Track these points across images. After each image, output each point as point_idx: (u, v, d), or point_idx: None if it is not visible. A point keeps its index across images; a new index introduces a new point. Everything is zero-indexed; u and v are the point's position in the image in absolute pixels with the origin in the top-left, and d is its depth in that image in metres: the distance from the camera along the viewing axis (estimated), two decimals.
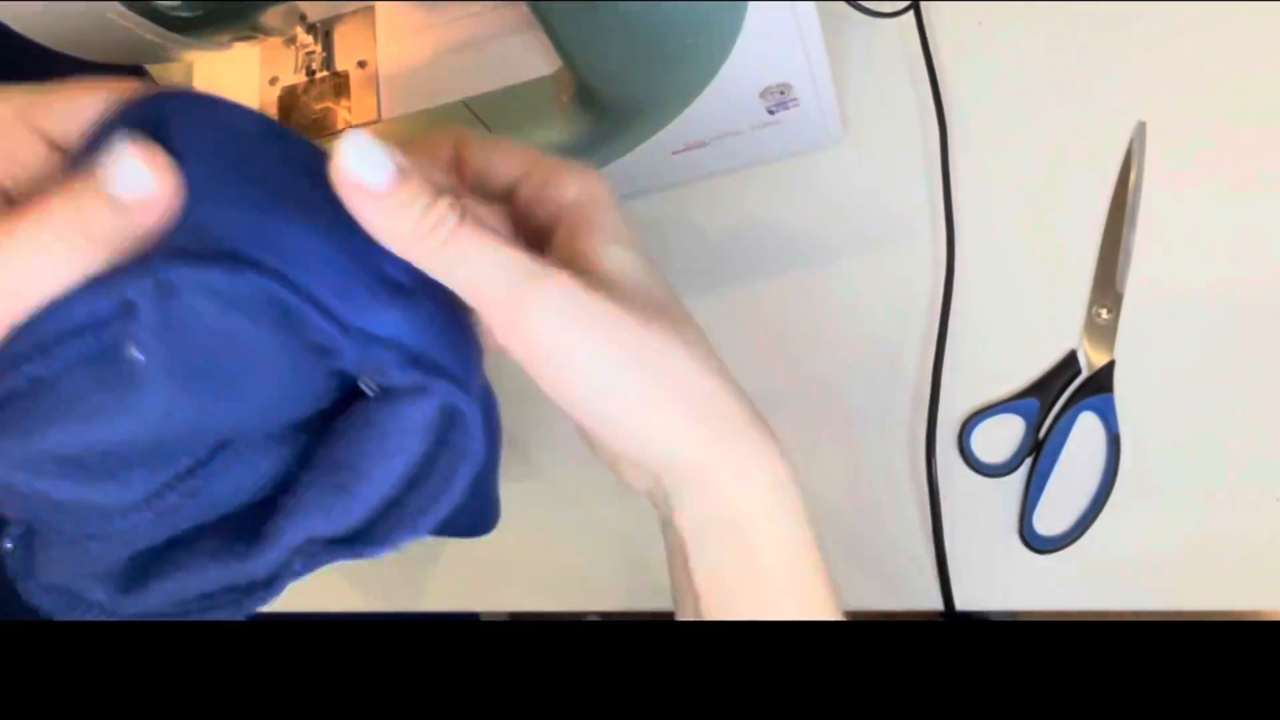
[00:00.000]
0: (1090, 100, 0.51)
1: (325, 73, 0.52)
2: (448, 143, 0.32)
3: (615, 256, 0.29)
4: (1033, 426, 0.47)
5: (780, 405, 0.51)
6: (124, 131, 0.24)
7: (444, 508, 0.29)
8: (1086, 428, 0.47)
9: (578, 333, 0.27)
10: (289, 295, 0.25)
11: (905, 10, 0.52)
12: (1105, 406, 0.46)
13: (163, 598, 0.29)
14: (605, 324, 0.27)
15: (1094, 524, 0.46)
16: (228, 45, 0.43)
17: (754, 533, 0.30)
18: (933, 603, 0.47)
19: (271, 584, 0.29)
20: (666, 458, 0.30)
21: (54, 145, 0.26)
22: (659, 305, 0.29)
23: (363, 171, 0.24)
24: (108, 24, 0.37)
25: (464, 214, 0.26)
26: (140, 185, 0.23)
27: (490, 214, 0.30)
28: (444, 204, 0.26)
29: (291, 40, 0.52)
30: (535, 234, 0.31)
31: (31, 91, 0.26)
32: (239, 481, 0.29)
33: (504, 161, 0.32)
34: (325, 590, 0.55)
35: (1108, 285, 0.48)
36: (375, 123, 0.50)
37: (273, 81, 0.53)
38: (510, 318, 0.27)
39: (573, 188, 0.31)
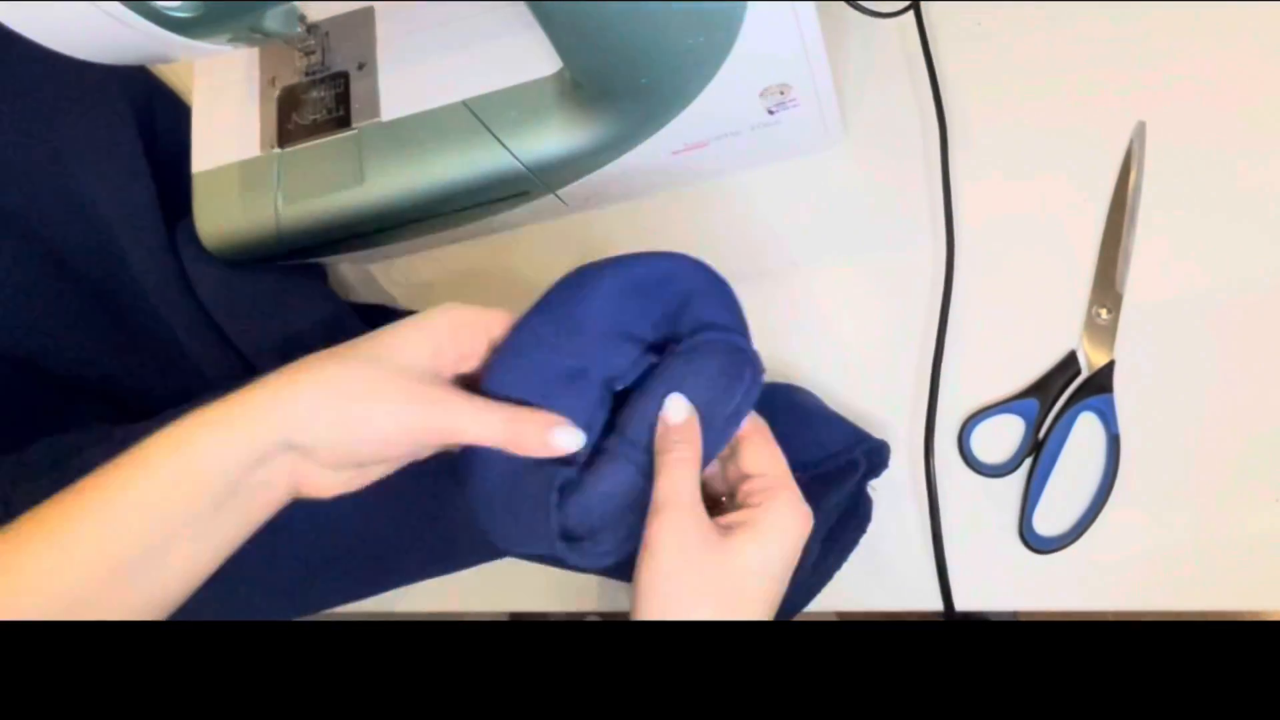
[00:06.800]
0: (1090, 100, 0.51)
1: (325, 72, 0.52)
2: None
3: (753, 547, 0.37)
4: (1033, 427, 0.47)
5: None
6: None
7: None
8: (1086, 428, 0.47)
9: None
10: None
11: (905, 10, 0.52)
12: (1105, 406, 0.46)
13: None
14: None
15: (1094, 524, 0.46)
16: (228, 45, 0.43)
17: None
18: (933, 603, 0.47)
19: None
20: None
21: (493, 343, 0.39)
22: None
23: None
24: (108, 24, 0.37)
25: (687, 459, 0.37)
26: (566, 447, 0.37)
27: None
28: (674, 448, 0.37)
29: (291, 40, 0.52)
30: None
31: (482, 310, 0.39)
32: None
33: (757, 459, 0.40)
34: None
35: (1108, 285, 0.48)
36: (375, 122, 0.50)
37: (273, 81, 0.53)
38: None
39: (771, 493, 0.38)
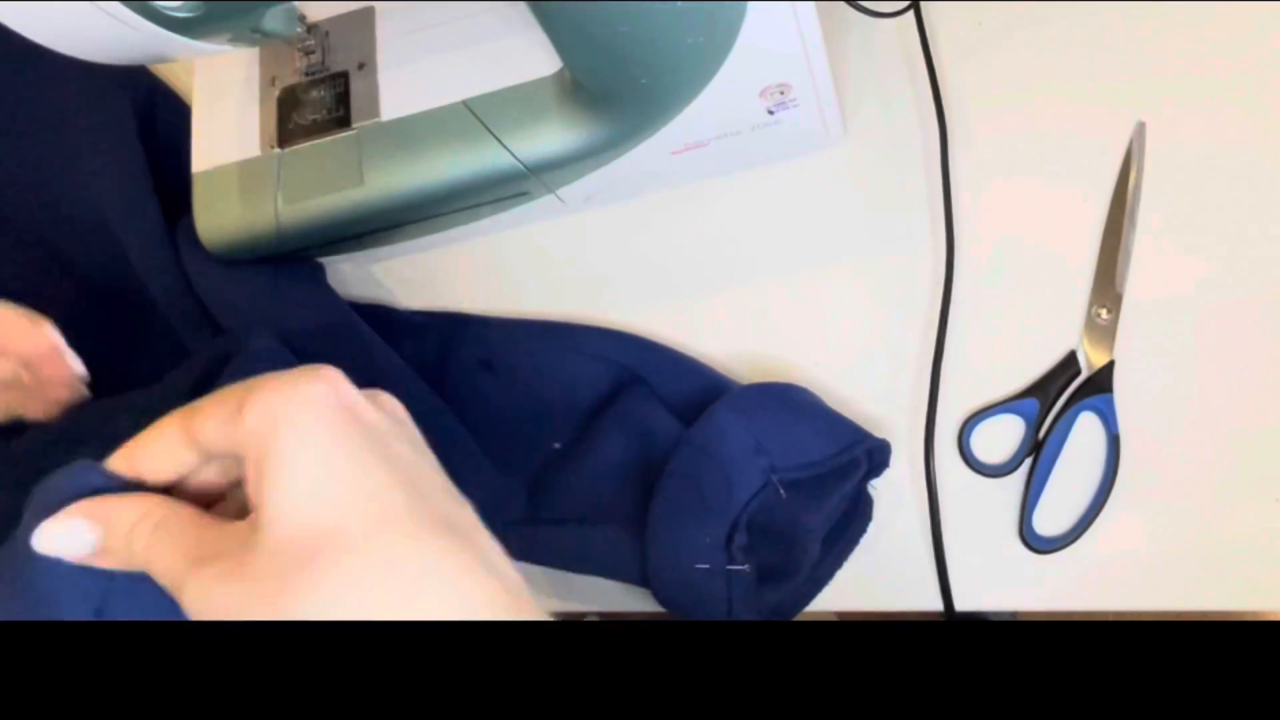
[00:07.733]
0: (1090, 100, 0.51)
1: (325, 72, 0.52)
2: (174, 425, 0.31)
3: (273, 506, 0.28)
4: (1033, 426, 0.48)
5: None
6: None
7: None
8: (1086, 428, 0.47)
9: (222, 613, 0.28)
10: None
11: (905, 10, 0.52)
12: (1105, 406, 0.47)
13: None
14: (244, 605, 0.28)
15: (1094, 524, 0.46)
16: (228, 45, 0.43)
17: None
18: (933, 603, 0.47)
19: None
20: None
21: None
22: (321, 539, 0.29)
23: (68, 549, 0.29)
24: (108, 24, 0.37)
25: (153, 530, 0.29)
26: None
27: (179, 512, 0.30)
28: (132, 539, 0.29)
29: (291, 40, 0.52)
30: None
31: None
32: None
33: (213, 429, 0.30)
34: None
35: (1108, 285, 0.48)
36: (376, 122, 0.50)
37: (273, 81, 0.53)
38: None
39: (244, 429, 0.29)
